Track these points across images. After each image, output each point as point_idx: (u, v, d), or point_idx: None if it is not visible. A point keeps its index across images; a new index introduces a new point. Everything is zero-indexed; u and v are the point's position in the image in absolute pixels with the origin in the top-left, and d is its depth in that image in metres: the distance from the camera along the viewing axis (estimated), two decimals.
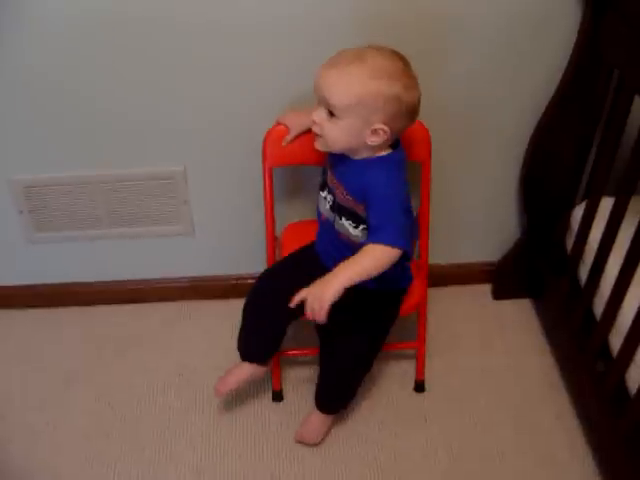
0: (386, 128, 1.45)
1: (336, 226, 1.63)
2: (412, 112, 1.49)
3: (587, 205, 1.79)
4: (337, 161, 1.58)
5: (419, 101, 1.48)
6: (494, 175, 2.03)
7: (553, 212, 1.98)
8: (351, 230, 1.59)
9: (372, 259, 1.47)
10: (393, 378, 1.99)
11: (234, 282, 2.17)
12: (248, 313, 1.77)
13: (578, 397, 1.90)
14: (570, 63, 1.75)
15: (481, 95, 1.86)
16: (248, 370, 1.80)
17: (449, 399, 1.95)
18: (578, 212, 1.87)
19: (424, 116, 1.72)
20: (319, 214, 1.70)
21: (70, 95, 1.79)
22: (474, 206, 2.11)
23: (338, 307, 1.47)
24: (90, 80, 1.76)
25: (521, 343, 2.10)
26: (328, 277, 1.46)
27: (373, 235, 1.49)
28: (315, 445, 1.83)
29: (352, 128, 1.45)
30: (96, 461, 1.82)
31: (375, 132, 1.46)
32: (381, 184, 1.51)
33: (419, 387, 1.98)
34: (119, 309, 2.21)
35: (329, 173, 1.63)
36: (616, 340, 1.66)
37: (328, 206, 1.64)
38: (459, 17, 1.72)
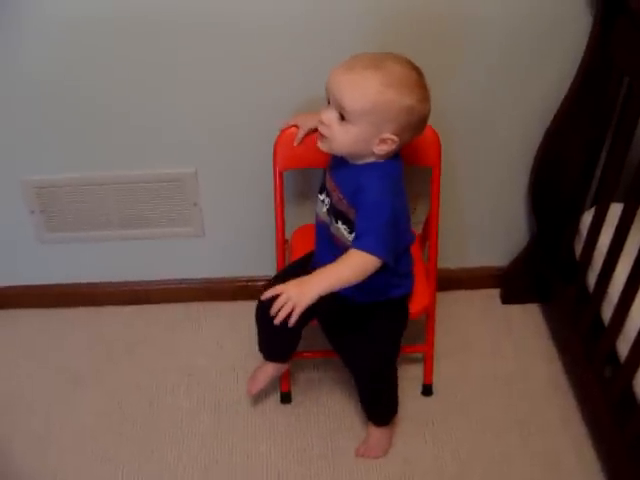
0: (395, 138, 1.44)
1: (332, 229, 1.62)
2: (422, 124, 1.48)
3: (596, 211, 1.79)
4: (336, 164, 1.57)
5: (429, 113, 1.48)
6: (503, 180, 2.03)
7: (562, 217, 1.98)
8: (346, 235, 1.57)
9: (351, 266, 1.44)
10: (401, 381, 1.96)
11: (244, 284, 2.18)
12: (260, 322, 1.78)
13: (585, 402, 1.90)
14: (580, 68, 1.74)
15: (491, 99, 1.86)
16: (273, 369, 1.85)
17: (456, 403, 1.96)
18: (587, 218, 1.87)
19: (434, 120, 1.72)
20: (317, 217, 1.69)
21: (82, 97, 1.80)
22: (483, 211, 2.11)
23: (343, 326, 1.54)
24: (103, 83, 1.77)
25: (529, 348, 2.10)
26: (307, 280, 1.42)
27: (356, 241, 1.47)
28: (382, 457, 1.84)
29: (362, 134, 1.44)
30: (104, 462, 1.83)
31: (384, 141, 1.45)
32: (372, 191, 1.48)
33: (427, 391, 1.98)
34: (129, 310, 2.22)
35: (328, 176, 1.61)
36: (624, 346, 1.65)
37: (325, 209, 1.63)
38: (469, 21, 1.72)
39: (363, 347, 1.70)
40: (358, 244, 1.45)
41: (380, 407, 1.83)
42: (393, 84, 1.39)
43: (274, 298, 1.42)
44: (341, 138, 1.46)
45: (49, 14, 1.65)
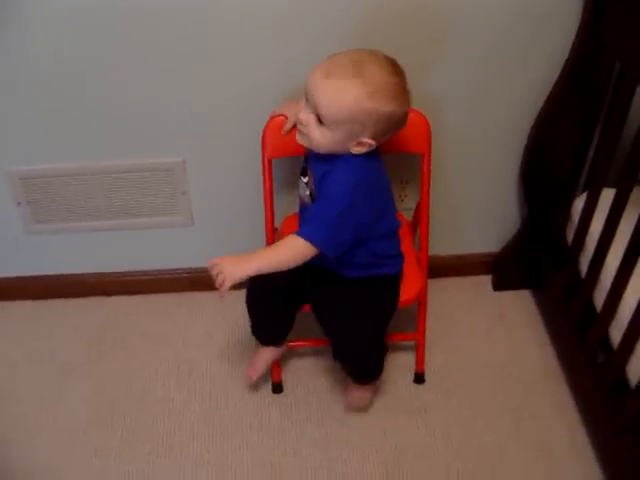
0: (372, 142, 1.45)
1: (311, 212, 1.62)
2: (402, 122, 1.48)
3: (588, 196, 1.78)
4: (312, 151, 1.56)
5: (409, 110, 1.47)
6: (494, 166, 2.02)
7: (553, 203, 1.98)
8: None
9: (286, 250, 1.49)
10: (393, 369, 1.98)
11: None
12: (252, 306, 1.78)
13: (578, 389, 1.90)
14: (571, 53, 1.73)
15: (481, 86, 1.85)
16: (270, 353, 1.85)
17: (449, 390, 1.95)
18: (579, 203, 1.87)
19: (424, 107, 1.72)
20: (300, 198, 1.70)
21: (68, 87, 1.78)
22: (474, 197, 2.10)
23: (331, 303, 1.56)
24: (88, 71, 1.75)
25: (521, 334, 2.10)
26: (243, 258, 1.47)
27: (301, 226, 1.50)
28: (366, 410, 1.87)
29: (338, 139, 1.44)
30: (96, 454, 1.82)
31: (361, 144, 1.45)
32: (335, 181, 1.49)
33: (419, 378, 1.97)
34: (118, 300, 2.21)
35: (306, 159, 1.63)
36: (616, 332, 1.65)
37: (308, 192, 1.63)
38: (459, 8, 1.70)
39: (349, 323, 1.69)
40: (299, 230, 1.49)
41: (364, 373, 1.81)
42: (374, 95, 1.38)
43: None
44: (317, 140, 1.46)
45: (36, 4, 1.63)
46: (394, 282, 1.74)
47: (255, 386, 1.95)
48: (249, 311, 1.80)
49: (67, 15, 1.65)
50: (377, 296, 1.71)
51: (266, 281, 1.57)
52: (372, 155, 1.51)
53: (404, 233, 1.86)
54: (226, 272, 1.45)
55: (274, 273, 1.50)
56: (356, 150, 1.47)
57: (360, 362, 1.77)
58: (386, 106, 1.40)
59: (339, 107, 1.39)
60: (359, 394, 1.86)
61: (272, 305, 1.76)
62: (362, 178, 1.50)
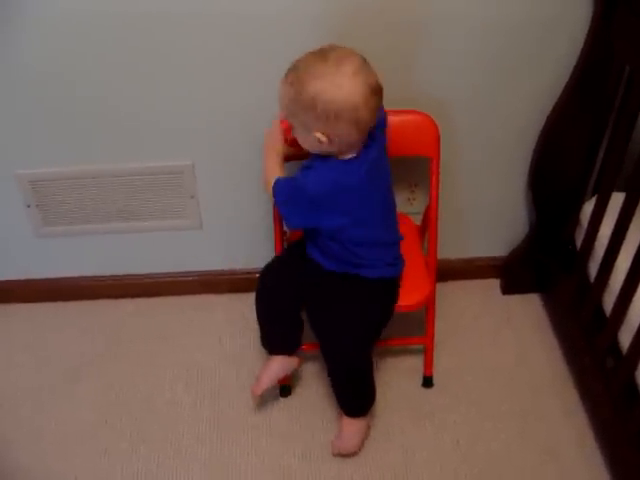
0: (322, 137, 1.46)
1: None
2: (350, 114, 1.42)
3: (597, 200, 1.78)
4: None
5: (354, 105, 1.42)
6: (503, 170, 2.02)
7: (562, 207, 1.97)
8: None
9: (267, 180, 1.62)
10: (401, 373, 1.98)
11: (242, 276, 2.17)
12: (260, 311, 1.79)
13: (587, 393, 1.89)
14: (581, 58, 1.73)
15: (490, 90, 1.85)
16: (278, 364, 1.81)
17: (457, 394, 1.95)
18: (588, 207, 1.86)
19: (432, 112, 1.72)
20: None
21: (77, 91, 1.78)
22: (483, 201, 2.09)
23: (322, 303, 1.64)
24: (97, 76, 1.76)
25: (529, 338, 2.10)
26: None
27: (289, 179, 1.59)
28: (355, 453, 1.81)
29: (303, 136, 1.51)
30: (104, 456, 1.82)
31: (319, 141, 1.47)
32: (312, 168, 1.56)
33: (427, 382, 1.97)
34: (126, 303, 2.21)
35: None
36: (626, 337, 1.65)
37: None
38: (467, 13, 1.70)
39: (335, 325, 1.70)
40: (280, 181, 1.59)
41: (352, 395, 1.79)
42: (296, 78, 1.43)
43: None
44: (298, 140, 1.54)
45: (45, 7, 1.64)
46: (384, 290, 1.72)
47: (260, 400, 1.93)
48: (258, 316, 1.80)
49: (73, 18, 1.66)
50: (360, 297, 1.70)
51: (273, 283, 1.68)
52: (354, 161, 1.53)
53: (412, 237, 1.87)
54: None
55: (282, 270, 1.71)
56: (324, 148, 1.50)
57: (341, 369, 1.74)
58: (308, 87, 1.41)
59: (279, 97, 1.50)
60: (350, 431, 1.79)
61: (280, 307, 1.77)
62: (337, 179, 1.52)
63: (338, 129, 1.44)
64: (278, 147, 1.64)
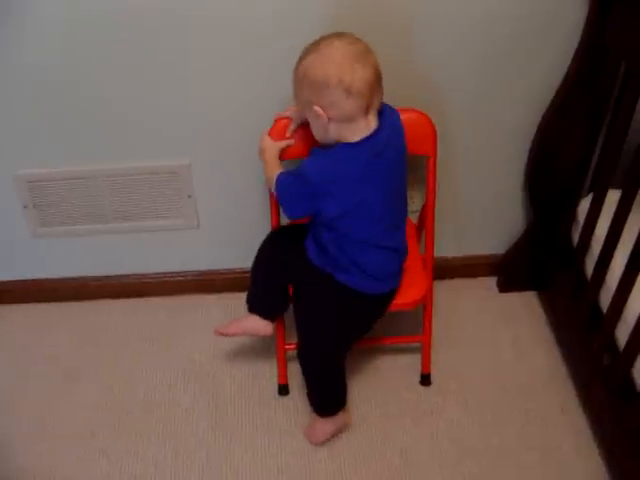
0: (320, 111, 1.48)
1: None
2: (336, 88, 1.45)
3: (593, 198, 1.78)
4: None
5: (339, 68, 1.44)
6: (500, 168, 2.02)
7: (559, 205, 1.98)
8: None
9: (268, 177, 1.66)
10: (399, 371, 1.99)
11: (239, 275, 2.17)
12: (253, 273, 1.83)
13: (584, 391, 1.90)
14: (576, 54, 1.74)
15: (486, 89, 1.85)
16: (252, 321, 1.83)
17: (455, 392, 1.95)
18: (584, 204, 1.87)
19: (429, 110, 1.72)
20: None
21: (75, 91, 1.79)
22: (480, 198, 2.10)
23: (305, 292, 1.70)
24: (94, 78, 1.76)
25: (526, 336, 2.10)
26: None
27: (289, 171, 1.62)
28: (317, 444, 1.83)
29: (310, 119, 1.55)
30: (100, 458, 1.82)
31: (318, 115, 1.49)
32: (312, 153, 1.59)
33: (425, 380, 1.97)
34: (123, 303, 2.21)
35: None
36: (622, 333, 1.65)
37: None
38: (462, 12, 1.71)
39: (307, 324, 1.73)
40: (284, 173, 1.63)
41: (318, 392, 1.81)
42: (297, 61, 1.50)
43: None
44: (312, 129, 1.58)
45: (44, 9, 1.64)
46: (356, 298, 1.69)
47: (260, 388, 1.94)
48: (251, 275, 1.83)
49: (72, 20, 1.66)
50: (334, 302, 1.70)
51: (269, 256, 1.78)
52: (355, 146, 1.53)
53: (409, 235, 1.87)
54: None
55: (284, 242, 1.78)
56: (328, 131, 1.52)
57: (308, 369, 1.76)
58: (302, 61, 1.49)
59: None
60: (316, 427, 1.82)
61: (269, 280, 1.80)
62: (334, 164, 1.54)
63: (329, 97, 1.47)
64: (270, 149, 1.69)
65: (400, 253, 1.70)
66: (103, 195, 1.98)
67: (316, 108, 1.48)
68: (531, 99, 1.86)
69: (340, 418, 1.82)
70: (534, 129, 1.90)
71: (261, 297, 1.84)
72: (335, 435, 1.84)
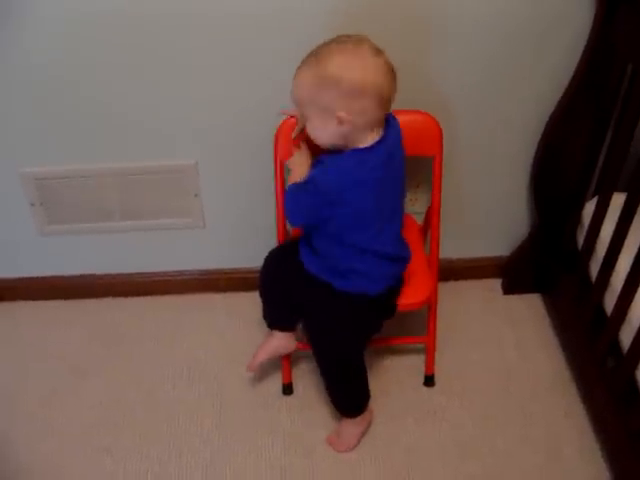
0: (346, 116, 1.44)
1: None
2: (369, 93, 1.43)
3: (598, 200, 1.78)
4: (323, 153, 1.60)
5: (379, 78, 1.43)
6: (505, 170, 2.02)
7: (564, 207, 1.97)
8: None
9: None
10: (403, 372, 1.99)
11: (245, 275, 2.17)
12: (261, 291, 1.83)
13: (588, 393, 1.90)
14: (583, 57, 1.74)
15: (491, 91, 1.85)
16: (277, 340, 1.85)
17: (458, 393, 1.95)
18: (589, 207, 1.86)
19: (435, 112, 1.73)
20: None
21: (83, 89, 1.79)
22: (485, 201, 2.10)
23: (313, 305, 1.67)
24: (102, 76, 1.77)
25: (530, 338, 2.10)
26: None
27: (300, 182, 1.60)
28: (348, 451, 1.82)
29: (321, 125, 1.49)
30: (105, 456, 1.83)
31: (340, 120, 1.45)
32: (324, 163, 1.55)
33: (429, 381, 1.98)
34: (129, 301, 2.22)
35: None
36: (627, 336, 1.65)
37: None
38: (469, 12, 1.71)
39: (316, 330, 1.73)
40: (294, 185, 1.62)
41: (343, 396, 1.81)
42: (318, 60, 1.44)
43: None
44: (312, 133, 1.54)
45: (47, 8, 1.65)
46: (361, 304, 1.69)
47: (265, 387, 1.96)
48: (260, 294, 1.83)
49: (77, 19, 1.67)
50: (333, 307, 1.70)
51: (273, 270, 1.76)
52: (369, 154, 1.52)
53: (415, 236, 1.87)
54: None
55: (288, 257, 1.74)
56: (342, 135, 1.48)
57: (329, 374, 1.77)
58: (331, 63, 1.42)
59: (296, 85, 1.49)
60: (348, 432, 1.82)
61: (276, 294, 1.81)
62: (353, 174, 1.51)
63: (362, 104, 1.44)
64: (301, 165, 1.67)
65: (400, 257, 1.70)
66: (110, 193, 1.99)
67: (341, 114, 1.44)
68: (537, 102, 1.86)
69: (367, 415, 1.83)
70: (540, 130, 1.89)
71: (276, 312, 1.85)
72: (363, 436, 1.84)
